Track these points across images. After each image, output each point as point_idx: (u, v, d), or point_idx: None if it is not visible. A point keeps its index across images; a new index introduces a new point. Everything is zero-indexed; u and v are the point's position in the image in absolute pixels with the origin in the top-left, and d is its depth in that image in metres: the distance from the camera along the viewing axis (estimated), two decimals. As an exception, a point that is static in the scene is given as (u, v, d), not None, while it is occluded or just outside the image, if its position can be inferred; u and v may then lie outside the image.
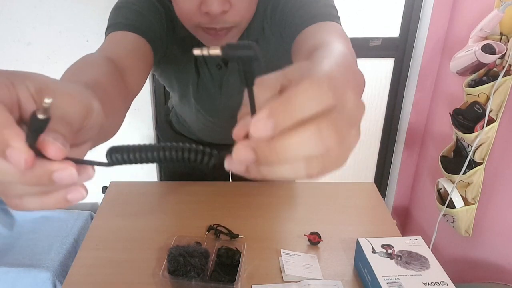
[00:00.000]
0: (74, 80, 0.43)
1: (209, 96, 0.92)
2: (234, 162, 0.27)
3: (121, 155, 0.29)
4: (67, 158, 0.26)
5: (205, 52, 0.26)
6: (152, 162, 0.29)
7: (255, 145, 0.25)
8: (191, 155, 0.29)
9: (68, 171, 0.26)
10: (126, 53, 0.63)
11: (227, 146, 0.26)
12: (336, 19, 0.67)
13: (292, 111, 0.24)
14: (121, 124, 0.51)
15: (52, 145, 0.25)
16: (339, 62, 0.32)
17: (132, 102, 0.61)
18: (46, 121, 0.25)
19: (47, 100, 0.25)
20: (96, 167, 0.28)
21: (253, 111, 0.26)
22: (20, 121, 0.27)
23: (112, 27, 0.68)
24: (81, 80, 0.42)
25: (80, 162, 0.27)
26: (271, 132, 0.24)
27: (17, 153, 0.24)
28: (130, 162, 0.29)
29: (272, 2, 0.76)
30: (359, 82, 0.34)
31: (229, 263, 0.84)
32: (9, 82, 0.26)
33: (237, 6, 0.66)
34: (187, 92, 0.93)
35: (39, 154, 0.25)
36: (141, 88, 0.66)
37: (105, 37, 0.68)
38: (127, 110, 0.58)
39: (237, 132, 0.27)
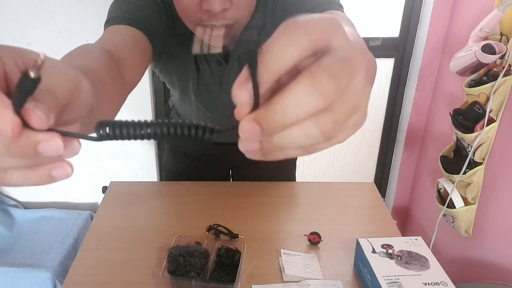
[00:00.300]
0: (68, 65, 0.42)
1: (210, 92, 0.92)
2: (245, 141, 0.26)
3: (112, 130, 0.27)
4: (53, 130, 0.26)
5: (205, 50, 0.26)
6: (147, 138, 0.28)
7: (256, 117, 0.25)
8: (192, 130, 0.28)
9: (53, 142, 0.25)
10: (124, 45, 0.63)
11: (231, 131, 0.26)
12: (339, 7, 0.67)
13: (279, 58, 0.25)
14: (115, 116, 0.51)
15: (33, 113, 0.24)
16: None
17: (132, 102, 0.61)
18: (36, 81, 0.24)
19: (41, 56, 0.24)
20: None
21: (256, 94, 0.26)
22: (7, 95, 0.26)
23: (111, 20, 0.68)
24: (75, 66, 0.42)
25: (66, 134, 0.26)
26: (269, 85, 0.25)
27: (4, 121, 0.23)
28: (122, 137, 0.27)
29: None
30: (367, 55, 0.31)
31: (229, 263, 0.84)
32: None
33: (238, 3, 0.66)
34: (187, 89, 0.93)
35: (25, 124, 0.24)
36: (138, 82, 0.66)
37: (104, 30, 0.68)
38: (123, 101, 0.57)
39: (238, 111, 0.26)
